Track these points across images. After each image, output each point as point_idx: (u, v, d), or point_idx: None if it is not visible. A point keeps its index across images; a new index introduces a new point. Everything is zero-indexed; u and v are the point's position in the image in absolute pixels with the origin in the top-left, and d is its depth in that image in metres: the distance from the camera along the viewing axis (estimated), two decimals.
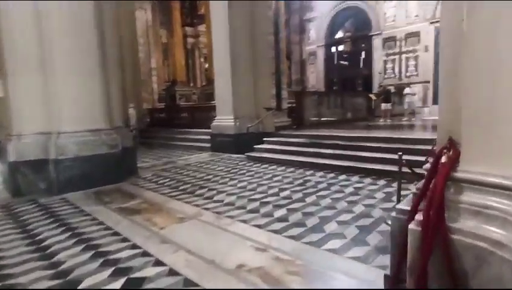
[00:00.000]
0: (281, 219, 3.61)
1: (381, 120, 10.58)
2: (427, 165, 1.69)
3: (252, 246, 2.94)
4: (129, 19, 13.02)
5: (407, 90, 11.88)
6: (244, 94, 8.59)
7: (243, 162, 7.39)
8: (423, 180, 1.64)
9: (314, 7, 22.42)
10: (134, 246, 3.01)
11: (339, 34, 22.35)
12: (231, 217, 3.77)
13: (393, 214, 1.78)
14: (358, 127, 9.68)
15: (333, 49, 22.72)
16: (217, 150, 8.82)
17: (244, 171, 6.44)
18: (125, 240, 3.17)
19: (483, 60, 1.40)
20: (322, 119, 10.69)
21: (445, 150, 1.56)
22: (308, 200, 4.31)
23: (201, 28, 19.59)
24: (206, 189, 5.11)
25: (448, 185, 1.48)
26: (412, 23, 18.04)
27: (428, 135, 6.52)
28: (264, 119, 8.56)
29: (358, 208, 3.89)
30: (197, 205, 4.26)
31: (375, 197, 4.33)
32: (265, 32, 8.58)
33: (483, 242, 1.25)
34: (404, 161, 3.40)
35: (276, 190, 4.90)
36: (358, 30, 20.71)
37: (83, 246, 3.07)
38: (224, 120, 8.70)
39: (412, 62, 18.26)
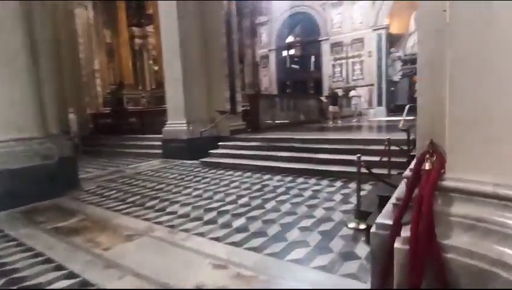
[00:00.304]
0: (240, 229, 3.39)
1: (330, 122, 10.88)
2: (407, 173, 1.55)
3: (210, 263, 2.68)
4: (67, 17, 11.91)
5: (352, 92, 12.40)
6: (197, 97, 8.25)
7: (197, 169, 7.04)
8: (403, 189, 1.49)
9: (265, 11, 22.70)
10: (70, 275, 2.57)
11: (290, 39, 22.87)
12: (186, 230, 3.46)
13: (373, 229, 1.61)
14: (312, 129, 9.85)
15: (284, 53, 23.20)
16: (170, 156, 8.34)
17: (199, 178, 6.11)
18: (59, 268, 2.70)
19: (471, 52, 1.26)
20: (277, 122, 10.72)
21: (427, 155, 1.43)
22: (268, 206, 4.15)
23: (150, 28, 18.68)
24: (158, 200, 4.71)
25: (435, 196, 1.33)
26: (356, 29, 19.07)
27: (379, 136, 6.78)
28: (219, 123, 8.30)
29: (319, 212, 3.82)
30: (148, 219, 3.87)
31: (334, 200, 4.31)
32: (217, 33, 8.34)
33: (482, 261, 1.14)
34: (362, 163, 3.38)
35: (234, 197, 4.67)
36: (308, 35, 21.38)
37: (1, 281, 2.54)
38: (177, 125, 8.26)
39: (357, 66, 19.28)
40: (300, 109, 12.49)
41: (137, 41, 19.89)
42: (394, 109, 18.67)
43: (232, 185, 5.43)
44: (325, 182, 5.24)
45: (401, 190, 1.51)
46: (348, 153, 5.90)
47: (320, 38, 20.39)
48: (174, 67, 8.07)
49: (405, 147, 5.19)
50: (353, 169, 5.27)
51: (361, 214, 3.34)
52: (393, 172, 4.94)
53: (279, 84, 22.64)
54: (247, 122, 9.58)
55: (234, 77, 8.68)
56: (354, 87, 15.85)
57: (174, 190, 5.25)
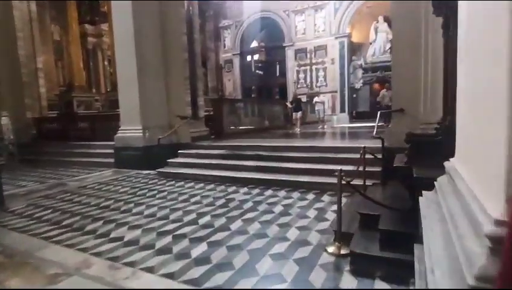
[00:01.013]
0: (200, 261, 2.79)
1: (296, 129, 10.60)
2: None
3: None
4: (3, 10, 10.51)
5: (316, 99, 12.26)
6: (154, 100, 7.48)
7: (153, 181, 6.28)
8: None
9: (229, 15, 22.26)
10: None
11: (254, 44, 22.63)
12: (132, 263, 2.78)
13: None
14: (278, 135, 9.46)
15: (249, 57, 22.89)
16: (123, 166, 7.46)
17: (155, 191, 5.38)
18: None
19: None
20: (241, 128, 10.21)
21: None
22: (233, 227, 3.58)
23: (105, 26, 17.35)
24: (102, 221, 3.94)
25: None
26: (319, 36, 19.28)
27: (348, 143, 6.51)
28: (179, 129, 7.58)
29: (292, 233, 3.33)
30: (85, 249, 3.12)
31: (307, 216, 3.85)
32: (177, 32, 7.66)
33: None
34: (343, 175, 2.96)
35: (194, 215, 4.04)
36: (272, 41, 21.25)
37: None
38: (131, 131, 7.42)
39: (321, 73, 19.46)
40: (266, 114, 12.11)
41: (91, 40, 18.43)
42: (356, 116, 19.10)
43: (193, 200, 4.78)
44: (296, 195, 4.79)
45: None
46: (319, 162, 5.53)
47: (284, 44, 20.32)
48: (128, 67, 7.25)
49: (379, 156, 4.91)
50: (325, 180, 4.91)
51: (342, 236, 2.90)
52: (368, 182, 4.63)
53: (244, 90, 22.21)
54: (210, 129, 8.96)
55: (196, 80, 8.04)
56: (317, 93, 15.81)
57: (123, 208, 4.49)
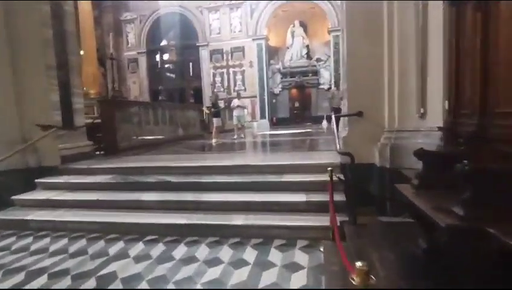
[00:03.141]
0: None
1: (213, 140, 8.67)
2: None
3: None
4: None
5: (235, 102, 9.93)
6: None
7: None
8: None
9: (132, 7, 19.22)
10: None
11: (163, 42, 20.04)
12: None
13: None
14: (195, 148, 7.45)
15: (158, 57, 20.17)
16: None
17: None
18: None
19: None
20: (148, 138, 7.88)
21: None
22: None
23: None
24: None
25: None
26: (236, 37, 17.91)
27: (290, 158, 4.90)
28: (39, 144, 4.94)
29: None
30: None
31: None
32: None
33: None
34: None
35: None
36: (184, 39, 19.03)
37: None
38: None
39: (239, 76, 18.09)
40: (179, 121, 9.94)
41: None
42: (276, 122, 18.28)
43: (38, 280, 2.48)
44: (226, 253, 2.91)
45: None
46: (258, 189, 3.79)
47: (198, 44, 18.34)
48: None
49: (342, 177, 3.42)
50: (272, 220, 3.19)
51: None
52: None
53: (153, 93, 19.38)
54: (98, 143, 6.45)
55: (69, 71, 5.47)
56: (237, 96, 13.17)
57: None
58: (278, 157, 5.08)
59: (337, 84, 16.67)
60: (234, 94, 17.11)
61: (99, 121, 6.67)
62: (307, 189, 3.72)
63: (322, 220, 3.15)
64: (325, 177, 3.71)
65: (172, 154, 6.17)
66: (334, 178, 3.03)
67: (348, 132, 4.10)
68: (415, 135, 3.56)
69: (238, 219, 3.31)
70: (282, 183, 3.81)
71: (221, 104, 12.80)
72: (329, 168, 2.86)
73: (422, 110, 3.51)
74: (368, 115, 3.98)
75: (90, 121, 6.60)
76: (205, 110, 12.14)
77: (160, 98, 13.44)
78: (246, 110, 10.15)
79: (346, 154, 3.27)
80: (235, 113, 9.31)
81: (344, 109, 4.70)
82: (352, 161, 3.24)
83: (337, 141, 3.47)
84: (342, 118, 3.99)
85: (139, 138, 7.54)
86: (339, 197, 3.37)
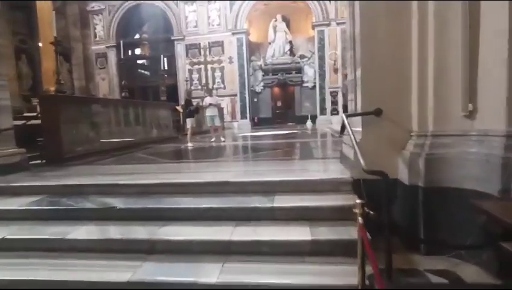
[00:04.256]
0: None
1: (188, 144, 7.46)
2: None
3: None
4: None
5: (207, 100, 8.38)
6: None
7: None
8: None
9: None
10: None
11: (135, 35, 18.46)
12: None
13: None
14: (162, 154, 6.21)
15: (129, 52, 18.58)
16: None
17: None
18: None
19: None
20: (109, 142, 6.57)
21: None
22: None
23: None
24: None
25: None
26: (215, 31, 16.66)
27: (283, 170, 3.76)
28: None
29: None
30: None
31: None
32: None
33: None
34: None
35: None
36: (158, 32, 17.57)
37: None
38: None
39: (218, 73, 16.86)
40: (147, 122, 8.64)
41: None
42: (258, 122, 17.18)
43: None
44: None
45: None
46: (242, 217, 2.66)
47: (173, 38, 16.95)
48: None
49: (371, 212, 2.33)
50: (258, 277, 2.06)
51: None
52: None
53: (123, 91, 17.75)
54: (40, 149, 5.12)
55: None
56: (209, 93, 10.15)
57: None
58: (264, 168, 3.92)
59: (321, 83, 15.88)
60: (214, 92, 15.91)
61: (38, 122, 5.30)
62: (310, 218, 2.64)
63: (339, 272, 2.07)
64: (334, 201, 2.64)
65: (132, 163, 4.92)
66: (354, 208, 1.94)
67: (362, 136, 3.04)
68: (462, 141, 2.55)
69: (211, 274, 2.16)
70: (275, 210, 2.70)
71: (200, 102, 11.33)
72: (358, 201, 1.78)
73: (470, 107, 2.50)
74: (388, 114, 2.93)
75: (22, 122, 5.23)
76: (179, 109, 10.85)
77: (123, 94, 11.97)
78: (217, 109, 8.46)
79: (377, 173, 2.18)
80: (208, 112, 8.06)
81: (351, 107, 3.65)
82: (386, 184, 2.16)
83: (358, 154, 2.39)
84: (346, 118, 2.94)
85: (95, 142, 6.21)
86: (347, 201, 2.30)
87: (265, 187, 3.08)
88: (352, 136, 2.56)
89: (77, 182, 3.44)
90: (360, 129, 3.05)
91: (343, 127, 4.15)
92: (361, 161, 2.28)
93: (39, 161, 5.21)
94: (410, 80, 2.88)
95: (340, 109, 15.73)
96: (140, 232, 2.64)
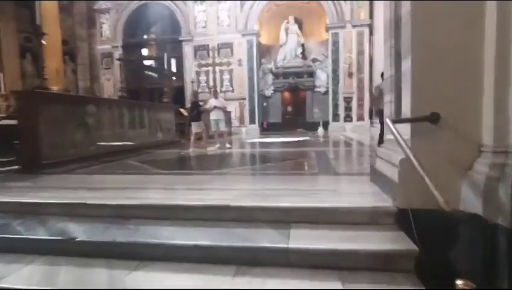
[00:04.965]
0: None
1: (191, 150, 6.76)
2: None
3: None
4: None
5: (211, 102, 7.50)
6: None
7: None
8: None
9: None
10: None
11: (142, 35, 17.95)
12: None
13: None
14: (158, 162, 5.46)
15: (136, 53, 18.07)
16: None
17: None
18: None
19: None
20: (108, 145, 5.89)
21: None
22: None
23: None
24: None
25: None
26: (224, 32, 16.03)
27: (298, 192, 2.92)
28: None
29: None
30: None
31: None
32: None
33: None
34: None
35: None
36: (166, 32, 17.01)
37: None
38: None
39: (226, 76, 16.18)
40: (147, 125, 7.95)
41: None
42: (267, 127, 16.40)
43: None
44: None
45: None
46: (247, 262, 1.87)
47: (181, 38, 16.38)
48: None
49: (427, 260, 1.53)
50: None
51: None
52: None
53: (129, 92, 17.24)
54: (18, 154, 4.44)
55: None
56: (213, 95, 9.09)
57: None
58: (276, 186, 3.07)
59: (334, 87, 15.04)
60: (221, 95, 15.16)
61: (14, 122, 4.62)
62: (339, 266, 1.84)
63: None
64: (373, 243, 1.85)
65: (117, 173, 4.19)
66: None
67: (413, 149, 2.22)
68: None
69: None
70: (291, 253, 1.90)
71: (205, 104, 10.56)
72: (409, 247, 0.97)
73: None
74: (448, 121, 2.12)
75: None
76: (184, 113, 10.15)
77: (120, 94, 11.38)
78: (223, 113, 7.62)
79: (465, 217, 1.37)
80: (212, 116, 7.28)
81: (389, 110, 2.85)
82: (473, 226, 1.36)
83: (424, 177, 1.59)
84: (392, 125, 2.15)
85: (84, 146, 5.52)
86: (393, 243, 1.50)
87: (277, 215, 2.29)
88: (408, 151, 1.76)
89: (36, 199, 2.70)
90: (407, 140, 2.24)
91: (381, 136, 3.33)
92: (436, 194, 1.47)
93: (16, 167, 4.53)
94: (481, 74, 2.08)
95: (354, 114, 14.88)
96: (100, 279, 1.87)
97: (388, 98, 2.86)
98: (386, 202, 2.30)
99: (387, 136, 2.84)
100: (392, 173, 2.38)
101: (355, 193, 2.66)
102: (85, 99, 6.67)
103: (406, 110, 2.32)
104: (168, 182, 3.40)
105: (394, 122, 2.11)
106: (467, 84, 2.11)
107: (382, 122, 4.93)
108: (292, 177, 3.57)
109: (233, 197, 2.58)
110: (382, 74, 4.11)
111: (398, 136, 1.91)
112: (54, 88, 10.84)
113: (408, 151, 1.78)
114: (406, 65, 2.30)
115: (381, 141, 3.24)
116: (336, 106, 15.14)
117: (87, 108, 5.82)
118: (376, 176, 2.87)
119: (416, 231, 1.98)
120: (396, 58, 2.67)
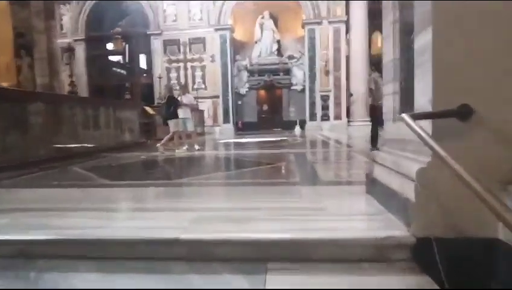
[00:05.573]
0: None
1: (158, 151, 5.97)
2: None
3: None
4: None
5: (182, 98, 6.70)
6: None
7: None
8: None
9: None
10: None
11: (106, 27, 16.65)
12: None
13: None
14: (111, 168, 4.60)
15: (101, 47, 16.74)
16: None
17: None
18: None
19: None
20: (55, 147, 4.94)
21: None
22: None
23: None
24: None
25: None
26: (196, 27, 15.14)
27: (276, 212, 2.21)
28: None
29: None
30: None
31: None
32: None
33: None
34: None
35: None
36: (132, 25, 15.85)
37: None
38: None
39: (198, 73, 15.30)
40: (104, 125, 7.01)
41: None
42: (242, 127, 15.70)
43: None
44: None
45: None
46: None
47: (149, 32, 15.32)
48: None
49: None
50: None
51: None
52: None
53: (93, 90, 16.01)
54: None
55: None
56: (182, 90, 7.49)
57: None
58: (248, 205, 2.34)
59: (311, 85, 14.58)
60: (193, 93, 14.13)
61: None
62: None
63: None
64: None
65: (52, 186, 3.33)
66: None
67: (434, 159, 1.60)
68: None
69: None
70: None
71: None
72: None
73: None
74: (484, 116, 1.52)
75: None
76: (150, 111, 9.23)
77: (70, 88, 10.32)
78: (190, 111, 6.70)
79: None
80: (180, 114, 6.41)
81: (390, 104, 2.24)
82: None
83: (480, 192, 0.98)
84: (413, 121, 1.55)
85: (24, 150, 4.58)
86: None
87: (248, 252, 1.61)
88: (437, 149, 1.13)
89: None
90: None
91: (374, 138, 2.74)
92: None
93: None
94: None
95: (332, 113, 14.51)
96: None
97: (390, 88, 2.25)
98: (396, 227, 1.68)
99: (391, 137, 2.22)
100: (403, 187, 1.76)
101: (351, 214, 2.02)
102: (26, 95, 5.66)
103: (423, 103, 1.70)
104: (109, 199, 2.61)
105: (413, 116, 1.47)
106: (510, 66, 1.52)
107: (375, 122, 4.31)
108: (269, 189, 2.88)
109: (189, 223, 1.86)
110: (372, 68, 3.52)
111: (426, 137, 1.28)
112: (4, 84, 9.59)
113: (445, 156, 1.14)
114: (423, 40, 1.68)
115: (374, 144, 2.64)
116: (312, 104, 14.69)
117: (25, 105, 4.86)
118: (375, 189, 2.25)
119: (444, 272, 1.38)
120: (402, 37, 2.06)
